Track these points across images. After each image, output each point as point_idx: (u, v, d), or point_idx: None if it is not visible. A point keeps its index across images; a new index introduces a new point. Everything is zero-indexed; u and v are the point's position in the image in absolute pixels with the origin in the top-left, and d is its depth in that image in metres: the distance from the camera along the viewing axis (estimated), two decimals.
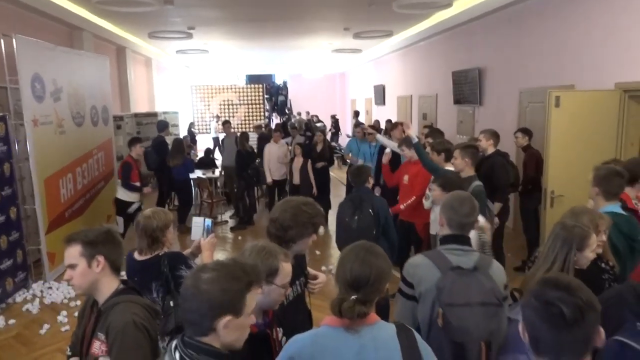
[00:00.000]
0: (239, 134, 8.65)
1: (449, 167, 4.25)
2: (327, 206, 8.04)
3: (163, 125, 8.65)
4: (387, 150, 5.71)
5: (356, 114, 15.16)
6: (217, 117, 17.42)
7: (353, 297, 1.59)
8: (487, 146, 5.15)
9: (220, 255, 6.11)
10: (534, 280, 2.29)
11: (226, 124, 9.66)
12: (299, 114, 18.92)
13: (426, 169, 4.41)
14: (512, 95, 7.06)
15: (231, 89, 19.05)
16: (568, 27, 5.78)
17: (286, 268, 1.79)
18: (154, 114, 11.43)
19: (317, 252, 6.65)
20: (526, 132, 5.68)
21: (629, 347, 1.49)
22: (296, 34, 10.93)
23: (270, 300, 1.77)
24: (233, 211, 8.69)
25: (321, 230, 7.63)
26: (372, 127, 8.08)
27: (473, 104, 8.36)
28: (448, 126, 9.19)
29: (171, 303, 2.38)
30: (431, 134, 5.61)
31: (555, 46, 6.03)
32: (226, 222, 8.45)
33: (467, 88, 8.50)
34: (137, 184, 6.49)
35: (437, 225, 2.87)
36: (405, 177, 4.96)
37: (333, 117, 18.65)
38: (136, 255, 2.67)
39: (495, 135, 5.38)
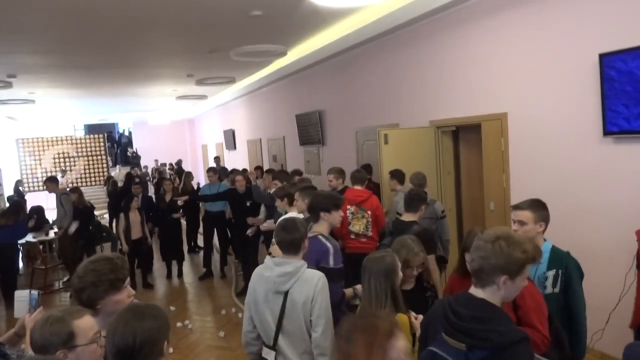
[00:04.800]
0: (68, 190, 7.95)
1: (293, 211, 4.32)
2: (181, 258, 7.72)
3: None
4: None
5: (216, 159, 14.92)
6: (63, 171, 15.81)
7: None
8: (337, 184, 5.44)
9: None
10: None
11: (50, 181, 8.02)
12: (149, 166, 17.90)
13: None
14: (350, 134, 7.65)
15: (67, 140, 17.49)
16: (389, 73, 6.52)
17: (83, 323, 1.70)
18: None
19: (172, 308, 6.27)
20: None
21: (438, 355, 1.66)
22: (136, 80, 10.51)
23: None
24: (68, 277, 7.78)
25: (175, 281, 7.34)
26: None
27: (317, 144, 8.85)
28: (297, 166, 9.56)
29: None
30: (277, 176, 5.77)
31: (381, 89, 6.75)
32: (65, 288, 7.54)
33: (311, 129, 8.99)
34: None
35: None
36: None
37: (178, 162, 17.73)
38: None
39: (341, 172, 5.73)
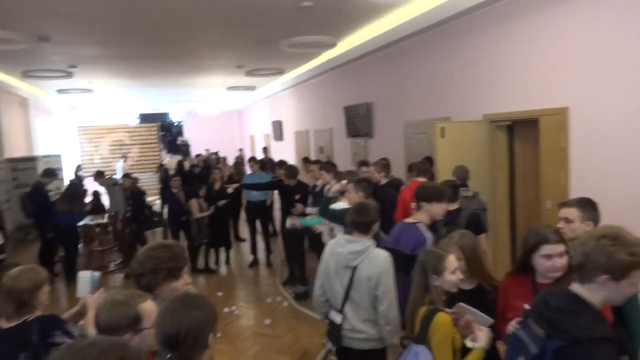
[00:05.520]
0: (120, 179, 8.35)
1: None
2: (228, 245, 7.88)
3: (48, 172, 7.97)
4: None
5: (265, 150, 15.14)
6: (124, 156, 16.50)
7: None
8: (380, 178, 5.39)
9: None
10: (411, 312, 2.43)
11: (98, 176, 8.72)
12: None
13: None
14: (398, 127, 7.53)
15: (122, 128, 18.19)
16: (441, 64, 6.36)
17: (147, 307, 1.75)
18: (32, 159, 10.50)
19: (219, 294, 6.42)
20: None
21: (519, 338, 1.79)
22: (189, 71, 10.78)
23: (148, 344, 1.69)
24: (122, 258, 8.11)
25: (222, 269, 7.50)
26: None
27: (365, 136, 8.78)
28: (344, 158, 9.54)
29: None
30: (324, 168, 5.76)
31: (432, 82, 6.59)
32: (119, 270, 7.87)
33: (358, 122, 8.93)
34: None
35: None
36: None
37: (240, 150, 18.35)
38: (1, 323, 2.33)
39: (386, 167, 5.67)
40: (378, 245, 3.01)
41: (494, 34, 5.29)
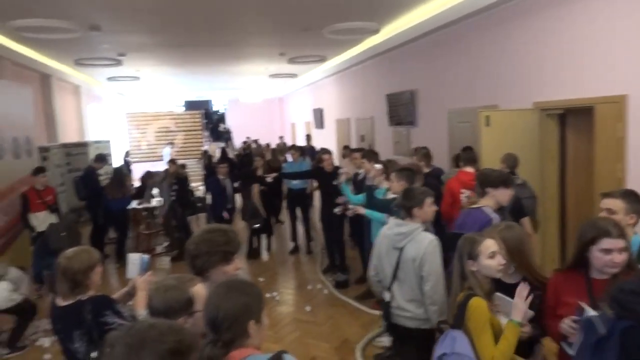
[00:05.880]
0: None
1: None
2: (270, 232, 7.97)
3: (100, 158, 8.30)
4: (343, 170, 5.82)
5: (308, 137, 15.19)
6: (171, 143, 16.92)
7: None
8: (421, 167, 5.29)
9: None
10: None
11: (148, 177, 8.87)
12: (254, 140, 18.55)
13: None
14: (442, 115, 7.36)
15: (168, 115, 18.63)
16: (488, 50, 6.14)
17: (199, 291, 1.79)
18: (84, 144, 10.93)
19: (261, 279, 6.53)
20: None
21: (590, 320, 1.85)
22: (231, 59, 10.90)
23: (199, 327, 1.72)
24: (169, 242, 8.36)
25: (265, 255, 7.60)
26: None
27: (407, 125, 8.64)
28: (385, 147, 9.44)
29: (93, 355, 2.22)
30: (366, 156, 5.71)
31: (479, 68, 6.38)
32: (166, 253, 8.13)
33: (401, 110, 8.79)
34: (39, 213, 6.27)
35: None
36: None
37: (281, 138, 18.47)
38: (58, 301, 2.45)
39: (426, 156, 5.56)
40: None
41: (547, 17, 5.05)
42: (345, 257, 6.40)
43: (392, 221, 3.21)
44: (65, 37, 6.95)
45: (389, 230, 3.17)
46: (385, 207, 4.38)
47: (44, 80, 10.31)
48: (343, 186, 5.47)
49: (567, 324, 2.11)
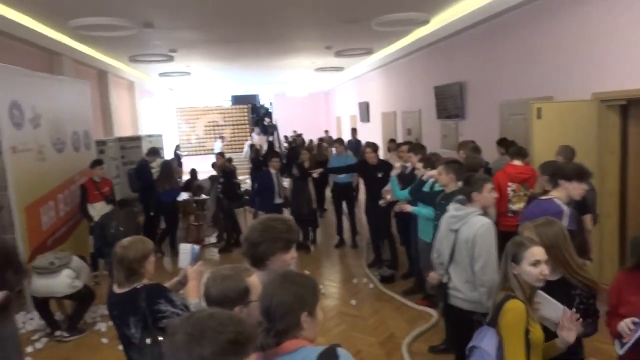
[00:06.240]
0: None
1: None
2: (315, 225, 8.01)
3: (152, 151, 8.60)
4: (398, 164, 5.81)
5: (353, 131, 15.17)
6: (222, 137, 17.33)
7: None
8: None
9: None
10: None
11: (198, 189, 9.08)
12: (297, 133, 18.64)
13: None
14: (493, 107, 7.13)
15: (216, 110, 19.09)
16: (543, 39, 5.88)
17: (254, 281, 1.80)
18: (138, 138, 11.35)
19: (306, 272, 6.57)
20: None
21: None
22: (278, 53, 10.99)
23: (253, 317, 1.73)
24: (217, 233, 8.57)
25: (310, 248, 7.66)
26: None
27: (456, 118, 8.43)
28: (432, 140, 9.26)
29: (148, 340, 2.28)
30: (413, 150, 5.62)
31: (532, 59, 6.13)
32: (214, 244, 8.34)
33: (449, 102, 8.59)
34: (97, 204, 6.50)
35: None
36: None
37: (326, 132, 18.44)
38: (115, 288, 2.55)
39: (474, 150, 5.42)
40: None
41: (607, 2, 4.78)
42: (397, 251, 6.33)
43: (452, 205, 3.32)
44: (120, 35, 7.22)
45: (448, 214, 3.31)
46: (432, 200, 4.32)
47: (101, 77, 10.79)
48: (392, 180, 5.40)
49: (625, 324, 2.04)
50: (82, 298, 4.97)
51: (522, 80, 6.41)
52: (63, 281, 4.77)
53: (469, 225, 3.08)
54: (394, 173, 5.39)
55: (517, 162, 4.76)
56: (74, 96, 7.22)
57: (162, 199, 7.65)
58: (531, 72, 6.18)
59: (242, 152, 17.79)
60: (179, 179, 9.46)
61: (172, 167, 8.37)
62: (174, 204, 7.92)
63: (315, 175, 7.34)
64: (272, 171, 7.24)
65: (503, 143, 6.08)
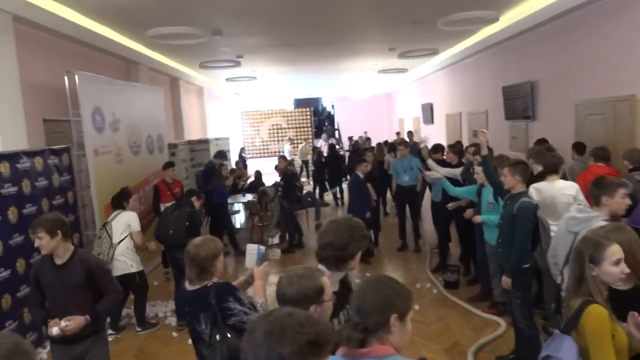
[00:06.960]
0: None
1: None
2: (377, 228, 7.95)
3: (219, 154, 8.93)
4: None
5: (409, 134, 14.95)
6: (290, 139, 17.66)
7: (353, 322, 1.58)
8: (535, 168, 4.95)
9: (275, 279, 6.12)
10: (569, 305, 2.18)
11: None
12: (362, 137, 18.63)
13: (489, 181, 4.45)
14: (568, 108, 6.75)
15: (279, 113, 19.46)
16: (626, 35, 5.50)
17: (326, 281, 1.83)
18: (206, 141, 11.81)
19: (367, 274, 6.53)
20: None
21: None
22: (342, 56, 11.04)
23: (325, 316, 1.77)
24: (279, 234, 8.72)
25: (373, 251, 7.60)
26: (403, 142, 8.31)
27: (526, 119, 8.07)
28: (500, 143, 8.91)
29: (217, 337, 2.35)
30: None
31: (613, 55, 5.75)
32: (277, 244, 8.50)
33: (518, 103, 8.23)
34: (169, 204, 6.55)
35: None
36: None
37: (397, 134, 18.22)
38: (187, 285, 2.65)
39: (540, 153, 5.16)
40: None
41: None
42: (476, 253, 6.08)
43: (575, 207, 3.24)
44: (191, 42, 7.55)
45: (568, 214, 3.22)
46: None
47: (173, 83, 11.34)
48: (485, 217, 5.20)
49: None
50: (137, 287, 5.06)
51: (601, 78, 6.02)
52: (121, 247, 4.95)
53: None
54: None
55: (600, 164, 4.62)
56: (148, 102, 7.64)
57: (213, 199, 7.82)
58: (612, 69, 5.79)
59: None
60: (238, 179, 9.72)
61: (215, 168, 8.49)
62: (220, 205, 8.01)
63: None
64: (360, 175, 7.08)
65: (578, 147, 5.77)
